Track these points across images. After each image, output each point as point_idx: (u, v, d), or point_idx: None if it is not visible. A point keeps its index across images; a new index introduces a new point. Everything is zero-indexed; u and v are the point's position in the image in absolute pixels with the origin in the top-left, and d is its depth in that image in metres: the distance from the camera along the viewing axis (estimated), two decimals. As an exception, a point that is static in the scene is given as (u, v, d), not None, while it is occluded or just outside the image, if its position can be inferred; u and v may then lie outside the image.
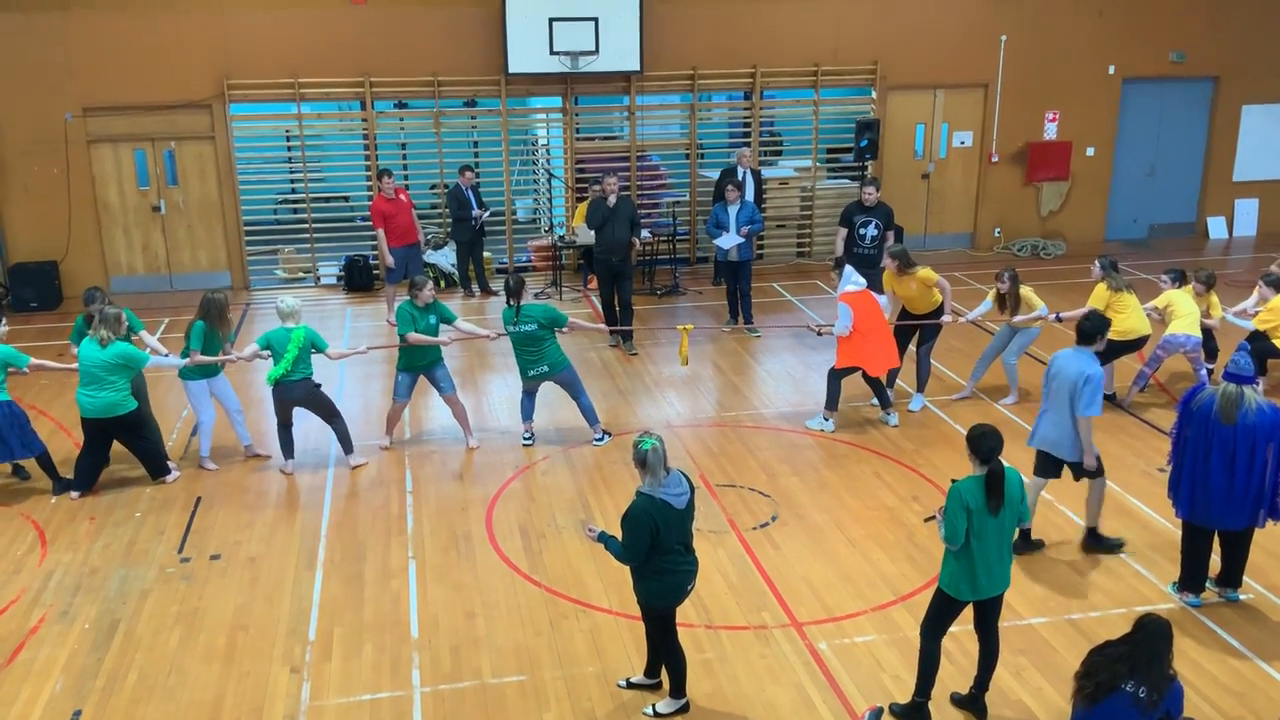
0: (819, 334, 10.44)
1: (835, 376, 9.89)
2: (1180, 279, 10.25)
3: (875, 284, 11.86)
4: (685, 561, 5.82)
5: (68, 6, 13.82)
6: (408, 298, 9.42)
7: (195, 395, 9.19)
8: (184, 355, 9.02)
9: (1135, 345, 10.01)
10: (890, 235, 11.82)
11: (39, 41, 13.86)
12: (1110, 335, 9.81)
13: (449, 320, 9.58)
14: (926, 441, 9.67)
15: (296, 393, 8.99)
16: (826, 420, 9.98)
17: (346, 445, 9.37)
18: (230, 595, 7.33)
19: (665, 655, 5.97)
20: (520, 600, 7.21)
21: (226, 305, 9.15)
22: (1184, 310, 10.04)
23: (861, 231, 11.64)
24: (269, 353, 8.93)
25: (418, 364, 9.42)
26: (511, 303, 9.35)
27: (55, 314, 13.70)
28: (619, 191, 11.98)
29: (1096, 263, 10.18)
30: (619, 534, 5.75)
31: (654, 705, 6.05)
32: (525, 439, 9.75)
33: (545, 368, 9.44)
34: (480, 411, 10.41)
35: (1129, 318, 9.83)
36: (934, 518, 5.80)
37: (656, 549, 5.67)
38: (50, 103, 14.05)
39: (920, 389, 10.40)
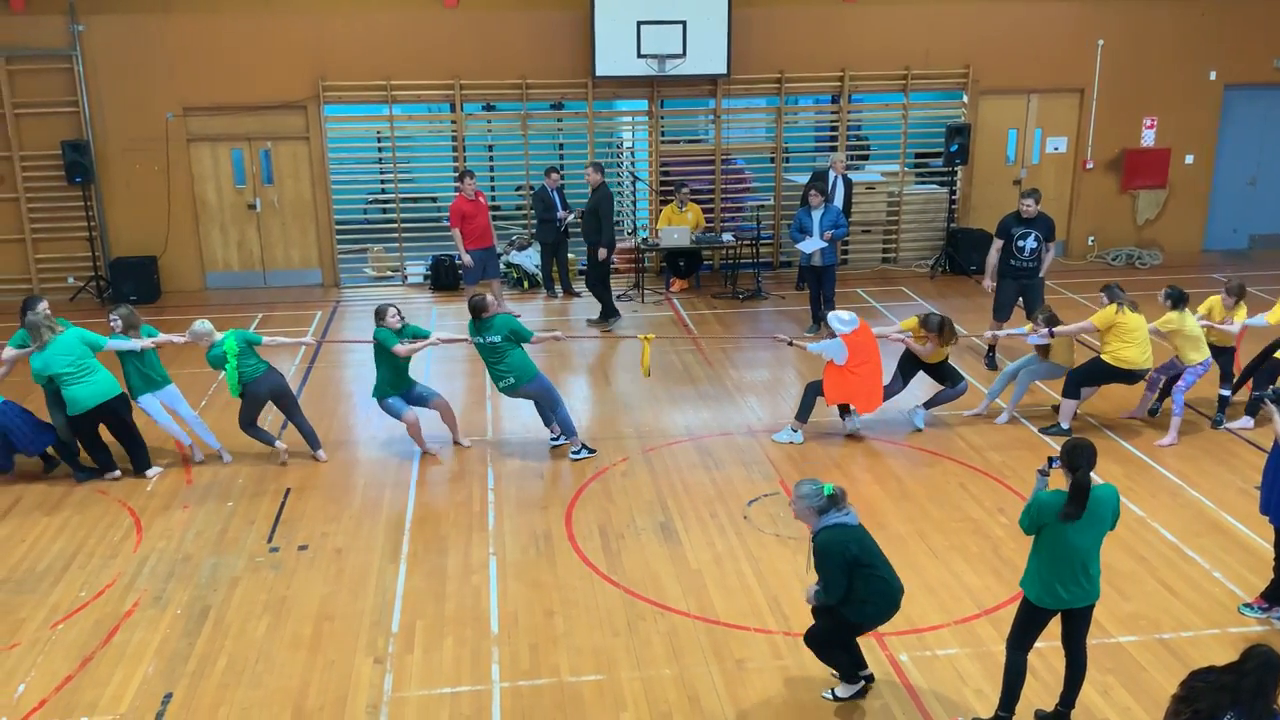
0: (789, 345, 10.27)
1: (813, 389, 9.78)
2: (1178, 300, 9.58)
3: (1034, 295, 11.54)
4: (893, 574, 5.93)
5: (169, 9, 14.24)
6: (377, 325, 9.34)
7: (147, 409, 9.27)
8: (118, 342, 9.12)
9: (1132, 377, 9.64)
10: (1050, 247, 11.50)
11: (142, 43, 14.29)
12: (1110, 362, 9.58)
13: (423, 337, 9.54)
14: (1012, 452, 9.49)
15: (263, 386, 9.19)
16: (795, 432, 9.84)
17: (313, 442, 9.52)
18: (317, 585, 7.48)
19: (835, 652, 6.08)
20: (599, 600, 7.24)
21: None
22: (1195, 332, 9.58)
23: (1020, 244, 11.35)
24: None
25: (390, 392, 9.42)
26: (473, 318, 9.29)
27: (153, 307, 14.11)
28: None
29: (1104, 295, 9.75)
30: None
31: (833, 690, 6.19)
32: (553, 439, 9.73)
33: (511, 379, 9.32)
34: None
35: (1132, 346, 9.45)
36: (1051, 465, 5.77)
37: (859, 574, 5.75)
38: (152, 102, 14.48)
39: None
